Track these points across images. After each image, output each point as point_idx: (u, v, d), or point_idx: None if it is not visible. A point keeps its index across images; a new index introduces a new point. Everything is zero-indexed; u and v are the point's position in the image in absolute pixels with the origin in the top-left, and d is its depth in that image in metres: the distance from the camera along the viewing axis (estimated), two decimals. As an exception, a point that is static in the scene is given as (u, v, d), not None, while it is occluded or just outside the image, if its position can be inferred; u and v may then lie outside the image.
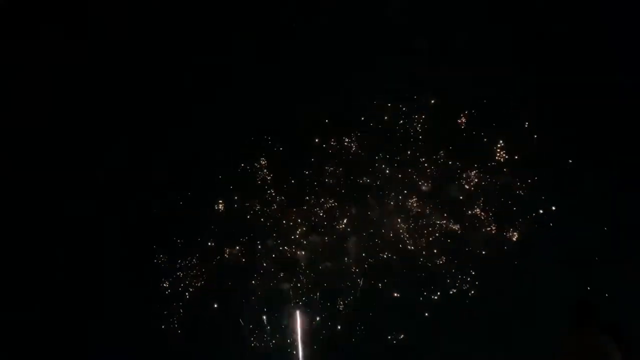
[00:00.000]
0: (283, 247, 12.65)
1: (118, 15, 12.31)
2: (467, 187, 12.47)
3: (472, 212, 12.43)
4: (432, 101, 12.55)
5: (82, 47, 12.31)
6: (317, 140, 12.78)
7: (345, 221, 12.69)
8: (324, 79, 12.54)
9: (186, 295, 12.44)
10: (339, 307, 12.40)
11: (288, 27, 12.83)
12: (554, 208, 11.97)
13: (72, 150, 12.35)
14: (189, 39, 12.53)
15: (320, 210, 12.73)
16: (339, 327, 12.33)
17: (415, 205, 12.60)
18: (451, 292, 12.25)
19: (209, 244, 12.65)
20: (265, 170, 12.78)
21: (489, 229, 12.35)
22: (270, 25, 12.70)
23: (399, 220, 12.56)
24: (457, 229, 12.40)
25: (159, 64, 12.59)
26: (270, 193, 12.75)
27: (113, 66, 12.49)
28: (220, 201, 12.72)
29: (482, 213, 12.41)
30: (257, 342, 12.28)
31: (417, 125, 12.61)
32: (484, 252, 12.22)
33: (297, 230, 12.69)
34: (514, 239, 12.25)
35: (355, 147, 12.81)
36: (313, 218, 12.73)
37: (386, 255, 12.50)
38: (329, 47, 12.45)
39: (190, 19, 12.66)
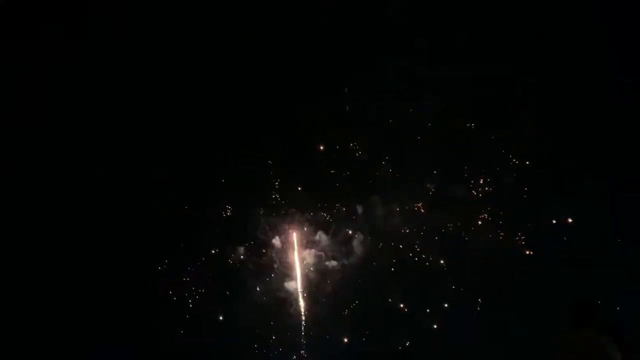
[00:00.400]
0: (284, 248, 12.65)
1: (118, 15, 12.29)
2: (468, 188, 12.45)
3: (472, 213, 12.42)
4: (434, 101, 12.50)
5: (82, 47, 12.29)
6: (318, 140, 12.75)
7: (348, 223, 12.68)
8: (324, 78, 12.54)
9: (187, 296, 12.42)
10: (344, 313, 12.37)
11: (288, 27, 12.80)
12: (554, 209, 11.97)
13: (72, 150, 12.34)
14: (189, 39, 12.52)
15: (322, 211, 12.71)
16: (342, 330, 12.30)
17: (416, 206, 12.58)
18: (452, 293, 12.26)
19: (210, 244, 12.63)
20: (266, 171, 12.75)
21: (490, 229, 12.34)
22: (271, 25, 12.67)
23: (401, 221, 12.54)
24: (458, 229, 12.37)
25: (158, 63, 12.57)
26: (272, 194, 12.72)
27: (113, 66, 12.47)
28: (221, 202, 12.70)
29: (484, 214, 12.40)
30: (259, 343, 12.27)
31: (419, 126, 12.57)
32: (484, 253, 12.21)
33: (299, 231, 12.68)
34: (515, 239, 12.25)
35: (357, 147, 12.78)
36: (315, 220, 12.72)
37: (387, 256, 12.49)
38: (329, 47, 12.44)
39: (190, 19, 12.64)
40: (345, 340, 12.23)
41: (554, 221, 11.97)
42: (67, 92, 12.42)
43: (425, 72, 12.13)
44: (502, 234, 12.26)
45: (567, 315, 4.82)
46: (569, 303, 4.87)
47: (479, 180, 12.39)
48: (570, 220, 11.92)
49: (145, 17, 12.54)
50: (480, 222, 12.39)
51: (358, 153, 12.76)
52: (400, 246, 12.46)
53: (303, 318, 12.35)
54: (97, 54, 12.45)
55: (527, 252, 12.07)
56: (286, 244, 12.63)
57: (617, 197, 11.38)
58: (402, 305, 12.28)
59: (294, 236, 12.68)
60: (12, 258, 11.65)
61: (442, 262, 12.37)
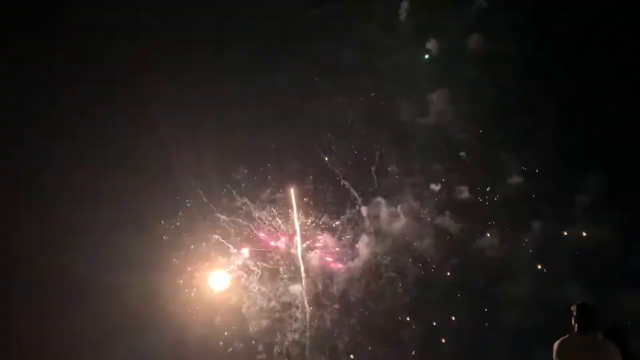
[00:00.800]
0: (290, 252, 12.66)
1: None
2: (471, 190, 12.47)
3: (474, 214, 12.45)
4: (440, 102, 12.47)
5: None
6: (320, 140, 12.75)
7: (352, 224, 12.69)
8: (325, 79, 12.55)
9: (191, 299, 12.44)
10: (350, 317, 12.40)
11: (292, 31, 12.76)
12: (555, 210, 12.00)
13: (73, 151, 12.30)
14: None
15: (327, 214, 12.74)
16: (345, 332, 12.32)
17: (418, 207, 12.60)
18: (453, 292, 12.31)
19: (214, 248, 12.61)
20: (271, 175, 12.74)
21: (490, 230, 12.37)
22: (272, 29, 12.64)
23: (403, 222, 12.56)
24: (459, 230, 12.41)
25: (157, 63, 12.54)
26: (276, 196, 12.73)
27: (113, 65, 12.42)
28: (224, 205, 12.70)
29: (485, 216, 12.42)
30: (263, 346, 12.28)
31: (425, 129, 12.56)
32: (483, 253, 12.25)
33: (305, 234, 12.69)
34: (516, 240, 12.28)
35: (362, 149, 12.79)
36: (320, 222, 12.74)
37: (388, 256, 12.53)
38: (330, 47, 12.45)
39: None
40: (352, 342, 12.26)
41: (555, 222, 12.02)
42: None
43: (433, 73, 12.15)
44: (503, 235, 12.29)
45: (569, 319, 4.84)
46: (570, 307, 4.87)
47: (483, 184, 12.42)
48: (570, 220, 11.97)
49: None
50: (481, 224, 12.42)
51: (364, 157, 12.77)
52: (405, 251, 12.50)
53: (307, 322, 12.35)
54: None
55: (527, 254, 12.11)
56: (291, 247, 12.64)
57: (617, 197, 11.40)
58: (406, 306, 12.32)
59: (299, 238, 12.69)
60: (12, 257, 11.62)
61: (443, 262, 12.42)
